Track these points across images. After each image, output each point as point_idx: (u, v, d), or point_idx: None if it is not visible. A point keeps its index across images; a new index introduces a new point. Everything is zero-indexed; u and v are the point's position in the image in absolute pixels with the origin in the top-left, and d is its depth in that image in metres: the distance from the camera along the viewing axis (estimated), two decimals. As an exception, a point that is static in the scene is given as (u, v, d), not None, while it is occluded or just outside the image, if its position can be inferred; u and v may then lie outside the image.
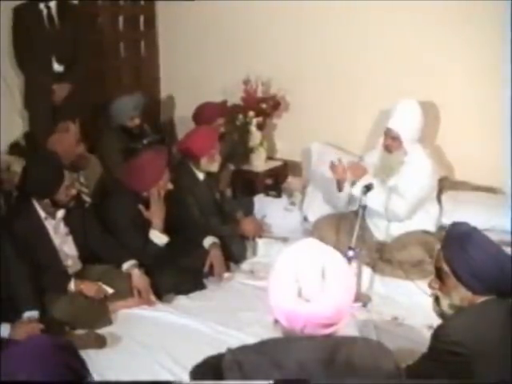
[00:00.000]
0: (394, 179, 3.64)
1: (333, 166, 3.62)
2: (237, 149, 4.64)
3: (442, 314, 2.02)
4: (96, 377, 1.59)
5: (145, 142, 4.34)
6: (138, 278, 3.31)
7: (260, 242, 4.00)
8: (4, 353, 1.33)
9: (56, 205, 3.18)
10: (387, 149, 3.67)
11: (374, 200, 3.49)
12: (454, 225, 2.03)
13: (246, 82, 4.62)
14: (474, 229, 1.99)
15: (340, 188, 3.68)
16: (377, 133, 3.95)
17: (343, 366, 1.48)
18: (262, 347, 1.55)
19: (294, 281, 1.47)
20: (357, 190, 3.48)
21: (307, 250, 1.54)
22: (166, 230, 3.51)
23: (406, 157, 3.64)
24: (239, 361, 1.52)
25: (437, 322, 2.06)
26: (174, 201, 3.62)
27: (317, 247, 1.55)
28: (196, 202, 3.88)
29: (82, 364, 1.39)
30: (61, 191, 3.15)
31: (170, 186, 3.55)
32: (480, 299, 1.92)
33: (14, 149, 4.10)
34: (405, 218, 3.64)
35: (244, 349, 1.57)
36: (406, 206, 3.59)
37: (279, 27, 4.61)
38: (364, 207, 3.39)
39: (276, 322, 1.56)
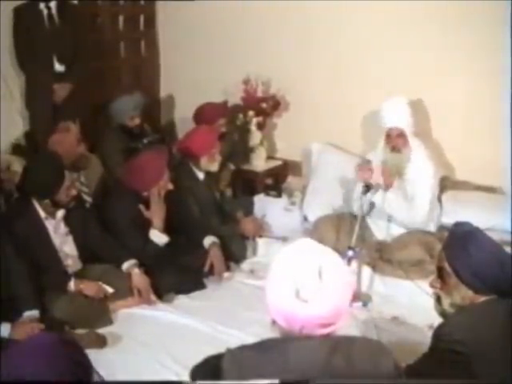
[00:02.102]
0: (402, 179, 3.64)
1: (362, 169, 3.55)
2: (237, 148, 4.64)
3: (443, 313, 2.02)
4: (96, 377, 1.58)
5: (145, 141, 4.34)
6: (138, 277, 3.30)
7: (260, 241, 4.00)
8: (7, 351, 1.32)
9: (56, 205, 3.18)
10: (395, 149, 3.66)
11: (392, 206, 3.51)
12: (457, 225, 2.04)
13: (246, 82, 4.62)
14: (477, 229, 2.00)
15: (366, 191, 3.46)
16: (377, 133, 3.94)
17: (342, 365, 1.48)
18: (262, 347, 1.55)
19: (292, 281, 1.47)
20: (379, 198, 3.47)
21: (304, 250, 1.54)
22: (166, 229, 3.51)
23: (412, 154, 3.64)
24: (239, 361, 1.52)
25: (437, 321, 2.07)
26: (174, 200, 3.62)
27: (313, 247, 1.55)
28: (196, 202, 3.88)
29: (87, 360, 1.38)
30: (61, 192, 3.15)
31: (171, 186, 3.55)
32: (481, 298, 1.93)
33: (16, 149, 4.10)
34: (422, 224, 3.64)
35: (243, 349, 1.57)
36: (423, 213, 3.60)
37: (279, 27, 4.61)
38: (371, 207, 3.39)
39: (274, 322, 1.56)
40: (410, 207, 3.56)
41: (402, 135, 3.61)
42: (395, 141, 3.64)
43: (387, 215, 3.66)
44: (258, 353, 1.52)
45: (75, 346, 1.38)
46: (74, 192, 3.24)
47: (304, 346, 1.48)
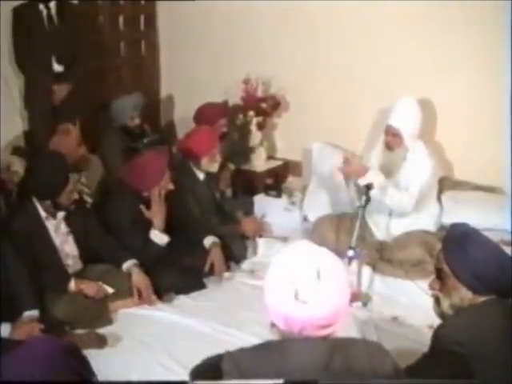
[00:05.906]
0: (396, 176, 3.64)
1: (346, 161, 3.50)
2: (237, 149, 4.65)
3: (442, 315, 2.02)
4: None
5: (145, 141, 4.35)
6: (139, 277, 3.30)
7: (260, 241, 4.00)
8: (8, 356, 1.30)
9: (57, 207, 3.18)
10: (388, 146, 3.66)
11: (382, 196, 3.48)
12: (454, 225, 2.04)
13: (246, 82, 4.62)
14: (474, 229, 1.99)
15: (348, 184, 3.58)
16: (377, 132, 3.95)
17: (341, 367, 1.48)
18: (261, 349, 1.55)
19: (290, 283, 1.47)
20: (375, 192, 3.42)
21: (301, 251, 1.54)
22: (167, 229, 3.51)
23: (407, 153, 3.63)
24: (238, 362, 1.52)
25: (437, 321, 2.06)
26: (175, 200, 3.62)
27: (310, 249, 1.55)
28: (196, 202, 3.88)
29: (86, 367, 1.37)
30: (63, 194, 3.15)
31: (171, 187, 3.55)
32: (480, 299, 1.92)
33: (16, 150, 4.10)
34: (411, 210, 3.61)
35: (243, 351, 1.57)
36: (410, 199, 3.56)
37: (280, 27, 4.62)
38: (364, 206, 3.38)
39: (273, 325, 1.56)
40: (398, 193, 3.54)
41: (397, 135, 3.60)
42: (390, 139, 3.64)
43: (388, 212, 3.66)
44: (257, 354, 1.52)
45: (74, 351, 1.36)
46: (75, 196, 3.25)
47: (303, 348, 1.48)
